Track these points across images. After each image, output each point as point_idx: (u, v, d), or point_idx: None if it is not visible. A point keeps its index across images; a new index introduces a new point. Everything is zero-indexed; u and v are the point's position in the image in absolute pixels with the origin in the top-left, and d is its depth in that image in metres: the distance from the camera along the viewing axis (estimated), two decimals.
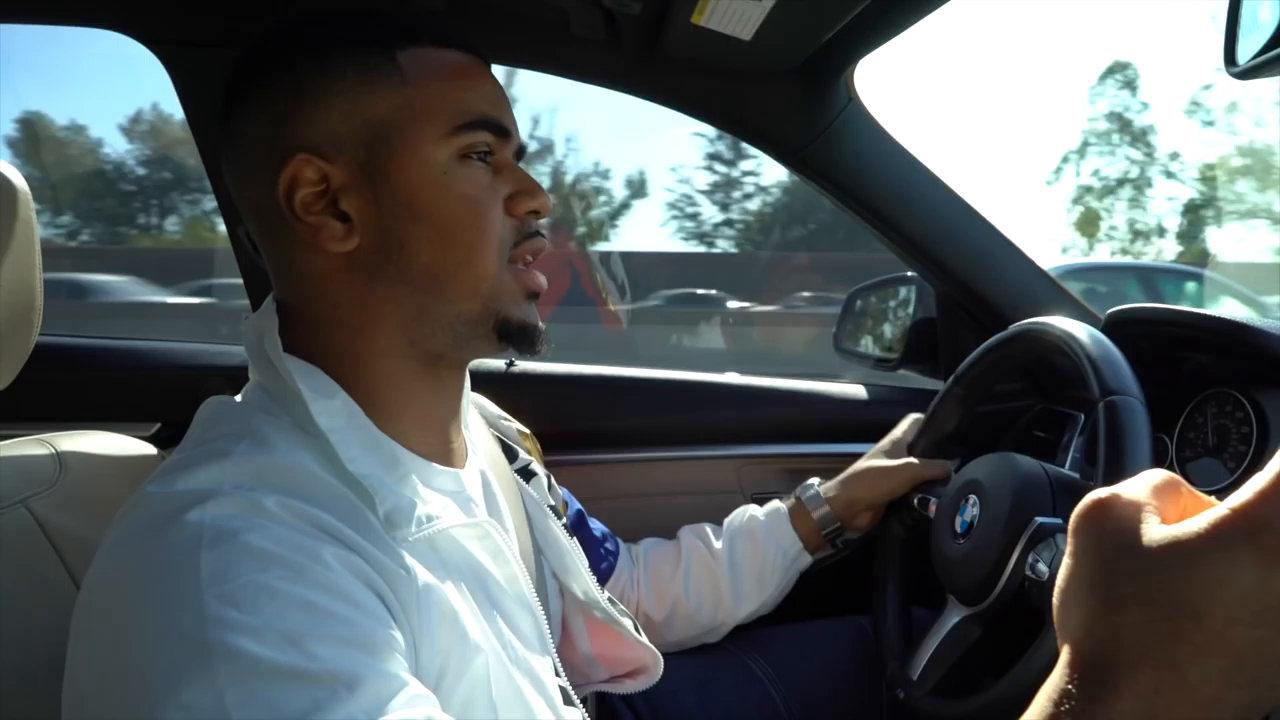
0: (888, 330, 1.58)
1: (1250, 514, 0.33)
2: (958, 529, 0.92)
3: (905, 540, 1.08)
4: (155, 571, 0.49)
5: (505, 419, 0.90)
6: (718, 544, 1.06)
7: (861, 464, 1.09)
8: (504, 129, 0.66)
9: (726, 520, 1.09)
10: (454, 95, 0.63)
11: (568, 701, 0.69)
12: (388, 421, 0.63)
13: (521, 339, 0.67)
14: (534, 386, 1.31)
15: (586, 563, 0.83)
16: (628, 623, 0.84)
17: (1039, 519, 0.83)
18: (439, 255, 0.63)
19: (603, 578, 1.00)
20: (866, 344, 1.61)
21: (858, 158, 1.18)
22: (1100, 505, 0.38)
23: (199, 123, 1.05)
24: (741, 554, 1.05)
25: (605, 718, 0.96)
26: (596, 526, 1.03)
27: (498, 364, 1.29)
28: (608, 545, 1.04)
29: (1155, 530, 0.36)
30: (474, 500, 0.70)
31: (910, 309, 1.47)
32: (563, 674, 0.72)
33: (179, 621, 0.46)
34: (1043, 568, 0.80)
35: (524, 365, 1.32)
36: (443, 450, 0.69)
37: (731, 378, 1.43)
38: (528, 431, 0.92)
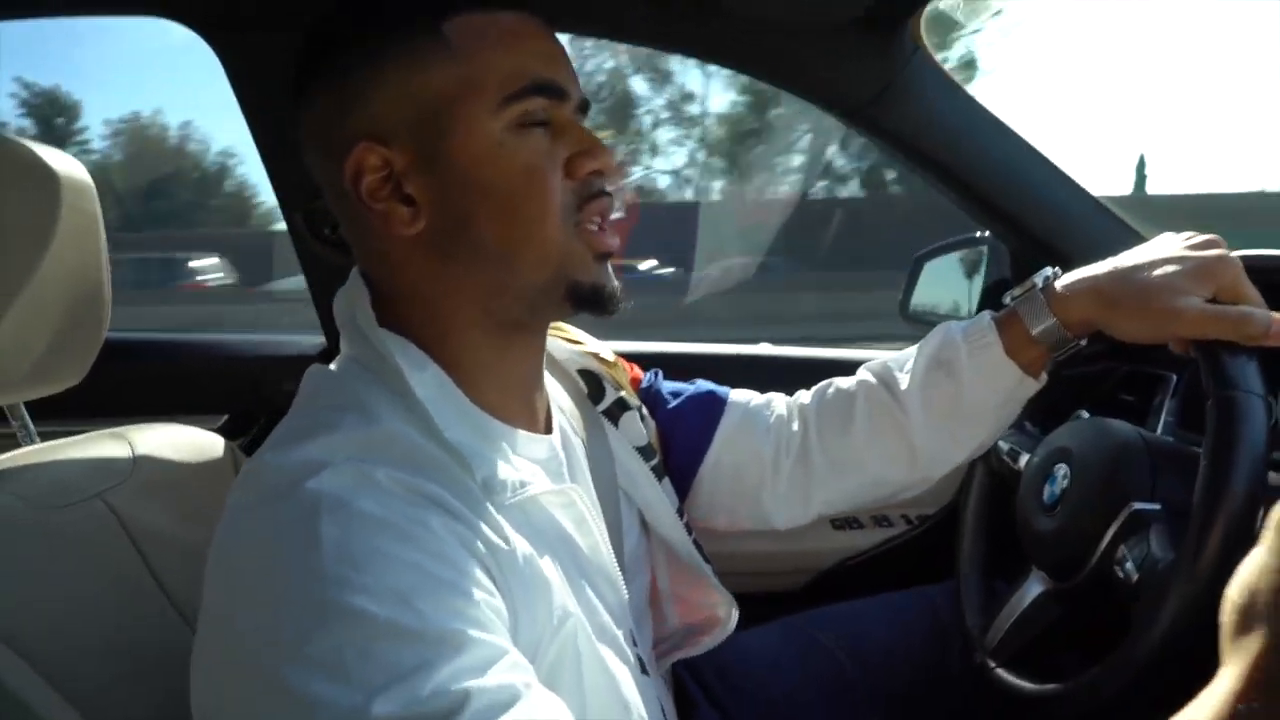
0: (959, 295, 1.52)
1: None
2: (1045, 500, 0.87)
3: (991, 490, 1.03)
4: (279, 537, 0.51)
5: (584, 350, 0.84)
6: (905, 383, 0.84)
7: (1129, 269, 0.76)
8: (559, 89, 0.64)
9: (919, 345, 0.85)
10: (503, 62, 0.62)
11: (643, 671, 0.70)
12: (475, 391, 0.64)
13: (595, 302, 0.66)
14: None
15: (674, 505, 0.82)
16: (709, 569, 0.84)
17: (1135, 504, 0.76)
18: (503, 229, 0.62)
19: (700, 446, 0.89)
20: (936, 310, 1.55)
21: (926, 112, 1.12)
22: None
23: (251, 106, 1.05)
24: (939, 397, 0.82)
25: (675, 692, 0.93)
26: (684, 390, 0.92)
27: None
28: (706, 407, 0.90)
29: None
30: (564, 463, 0.70)
31: (982, 271, 1.41)
32: (640, 643, 0.73)
33: (302, 582, 0.48)
34: (1131, 568, 0.74)
35: (609, 344, 1.30)
36: (528, 415, 0.69)
37: (813, 351, 1.39)
38: (611, 359, 0.86)
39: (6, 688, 0.59)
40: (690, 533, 0.84)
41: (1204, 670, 0.40)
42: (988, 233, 1.32)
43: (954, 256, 1.54)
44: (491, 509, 0.58)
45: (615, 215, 0.68)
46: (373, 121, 0.62)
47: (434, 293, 0.65)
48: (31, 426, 0.90)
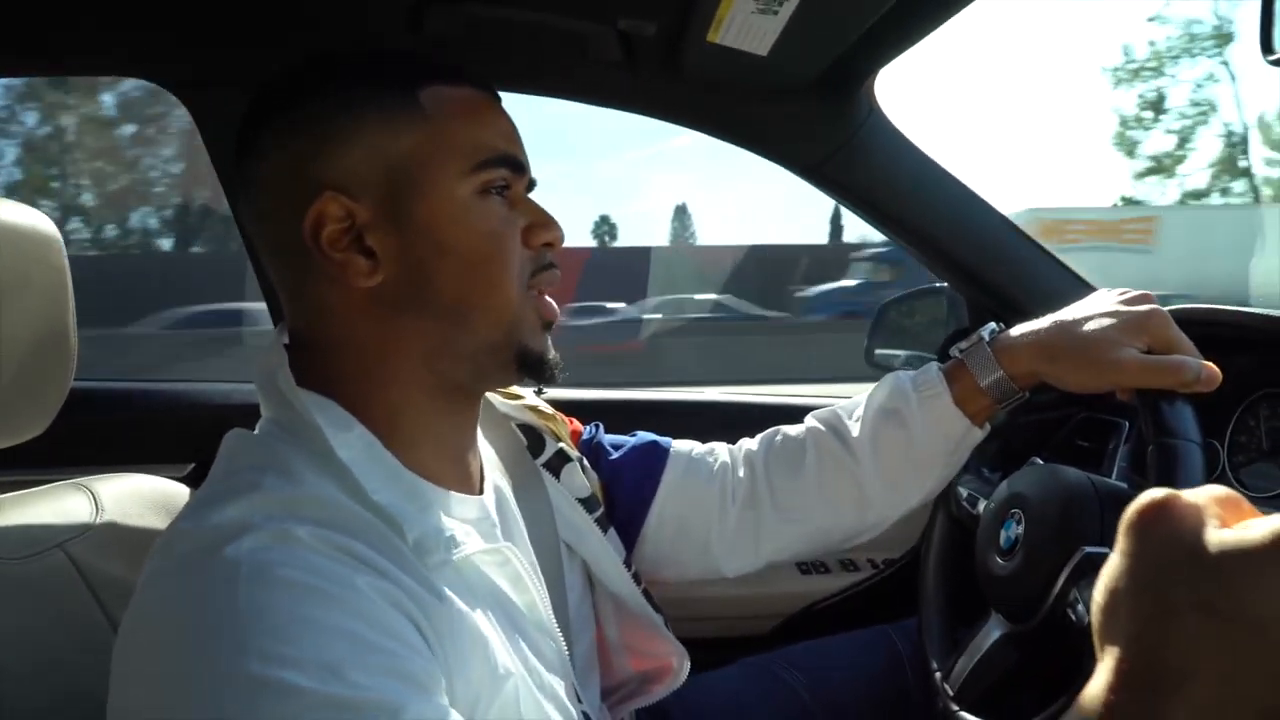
0: (922, 342, 1.56)
1: None
2: (1002, 544, 0.89)
3: (952, 535, 1.05)
4: (196, 607, 0.49)
5: (522, 405, 0.85)
6: (855, 431, 0.86)
7: (1069, 324, 0.79)
8: (519, 163, 0.67)
9: (868, 393, 0.88)
10: (473, 132, 0.65)
11: None
12: (406, 450, 0.63)
13: (539, 369, 0.68)
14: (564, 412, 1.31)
15: (621, 556, 0.83)
16: (659, 619, 0.84)
17: (1086, 548, 0.78)
18: (464, 287, 0.64)
19: (644, 498, 0.89)
20: (900, 357, 1.59)
21: (880, 169, 1.16)
22: (1158, 505, 0.36)
23: (221, 159, 1.07)
24: (889, 445, 0.84)
25: None
26: (625, 442, 0.93)
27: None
28: (648, 458, 0.91)
29: (1216, 534, 0.34)
30: (496, 524, 0.70)
31: (944, 319, 1.45)
32: (585, 698, 0.72)
33: (222, 656, 0.46)
34: (1082, 610, 0.75)
35: (552, 392, 1.31)
36: (461, 477, 0.69)
37: (758, 395, 1.41)
38: (550, 411, 0.87)
39: None
40: (639, 583, 0.83)
41: None
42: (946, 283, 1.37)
43: (916, 304, 1.59)
44: (422, 569, 0.57)
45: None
46: (340, 173, 0.62)
47: (378, 348, 0.64)
48: None
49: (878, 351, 1.59)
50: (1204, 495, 0.37)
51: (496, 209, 0.65)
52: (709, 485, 0.89)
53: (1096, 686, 0.35)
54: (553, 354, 0.69)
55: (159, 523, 0.86)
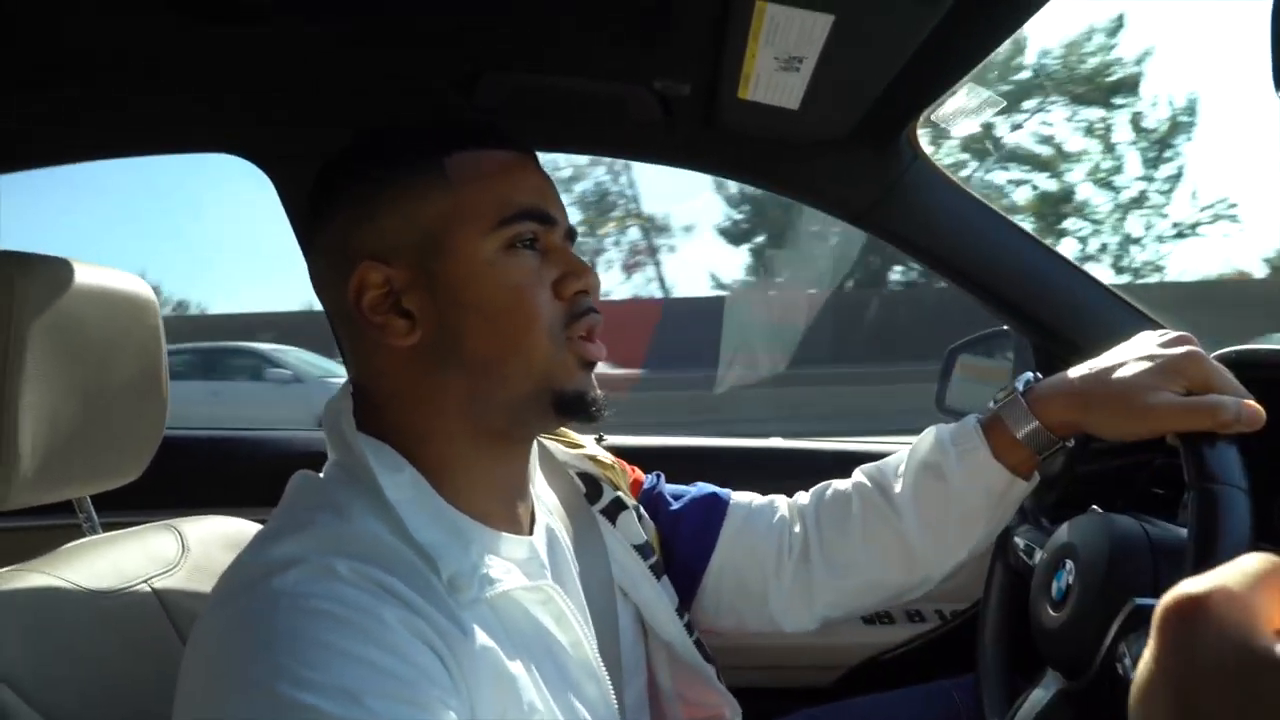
0: (992, 388, 1.52)
1: None
2: (1053, 595, 0.86)
3: (1010, 586, 1.01)
4: (239, 631, 0.54)
5: (582, 454, 0.88)
6: (898, 486, 0.86)
7: (1103, 371, 0.77)
8: (547, 216, 0.70)
9: (910, 448, 0.87)
10: (497, 192, 0.68)
11: None
12: (455, 494, 0.67)
13: (578, 409, 0.70)
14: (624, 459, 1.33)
15: (674, 604, 0.83)
16: (710, 670, 0.84)
17: (1136, 600, 0.74)
18: (491, 342, 0.67)
19: (704, 549, 0.90)
20: (971, 404, 1.55)
21: (928, 214, 1.16)
22: (1195, 602, 0.30)
23: (300, 227, 1.16)
24: (929, 499, 0.84)
25: None
26: (686, 492, 0.94)
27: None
28: (708, 510, 0.91)
29: (1262, 641, 0.29)
30: (545, 565, 0.72)
31: (1010, 363, 1.41)
32: None
33: (256, 677, 0.51)
34: (1129, 664, 0.72)
35: (613, 440, 1.34)
36: (510, 518, 0.72)
37: (825, 443, 1.40)
38: (610, 461, 0.90)
39: None
40: (692, 633, 0.84)
41: None
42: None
43: (984, 348, 1.55)
44: (453, 605, 0.60)
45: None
46: (377, 242, 0.68)
47: (421, 400, 0.69)
48: (95, 517, 0.97)
49: (950, 400, 1.56)
50: (1247, 578, 0.31)
51: (524, 263, 0.68)
52: (767, 539, 0.89)
53: None
54: (594, 393, 0.71)
55: None
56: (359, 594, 0.55)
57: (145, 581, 0.84)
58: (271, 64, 1.01)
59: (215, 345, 10.76)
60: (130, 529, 0.91)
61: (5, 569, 0.76)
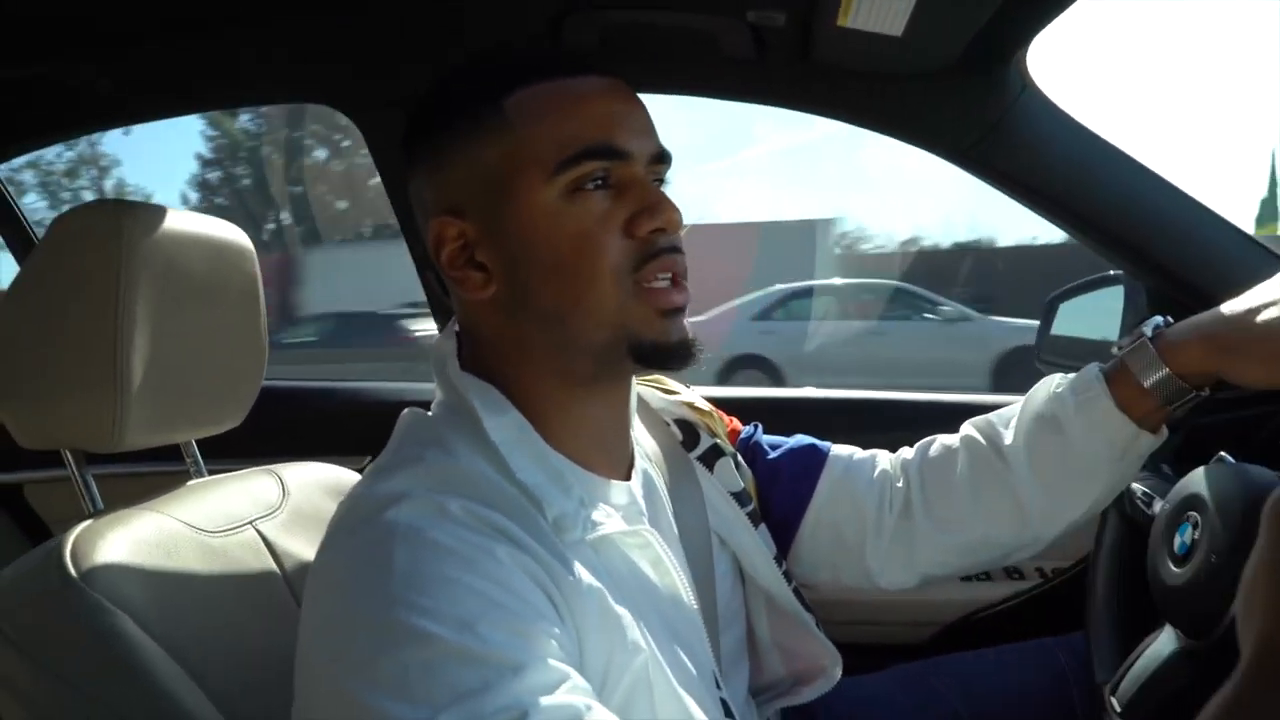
0: (1096, 338, 1.45)
1: None
2: (1176, 549, 0.81)
3: (1124, 537, 0.97)
4: (357, 561, 0.56)
5: (679, 400, 0.86)
6: (1009, 438, 0.81)
7: (1243, 313, 0.72)
8: (616, 150, 0.65)
9: (1025, 397, 0.82)
10: (555, 132, 0.64)
11: (728, 713, 0.70)
12: (554, 436, 0.67)
13: (660, 358, 0.67)
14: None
15: (772, 552, 0.82)
16: (809, 618, 0.83)
17: None
18: (558, 293, 0.65)
19: (800, 500, 0.87)
20: (1073, 356, 1.48)
21: (1038, 150, 1.09)
22: None
23: (388, 176, 1.16)
24: (1044, 453, 0.79)
25: None
26: (783, 443, 0.91)
27: None
28: (807, 460, 0.89)
29: None
30: (643, 510, 0.72)
31: (1120, 311, 1.34)
32: (728, 688, 0.72)
33: (374, 604, 0.53)
34: None
35: (701, 390, 1.32)
36: (608, 462, 0.71)
37: (923, 395, 1.36)
38: (707, 408, 0.88)
39: (163, 687, 0.67)
40: (790, 581, 0.83)
41: None
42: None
43: (1090, 297, 1.47)
44: (560, 544, 0.60)
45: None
46: (449, 196, 0.67)
47: (510, 347, 0.68)
48: (202, 462, 1.01)
49: (1049, 351, 1.49)
50: None
51: (590, 208, 0.64)
52: (867, 492, 0.86)
53: (1232, 685, 0.32)
54: (675, 339, 0.66)
55: (335, 507, 0.95)
56: (469, 531, 0.56)
57: (250, 523, 0.87)
58: (356, 13, 1.01)
59: (864, 282, 9.86)
60: (234, 474, 0.94)
61: (123, 510, 0.79)
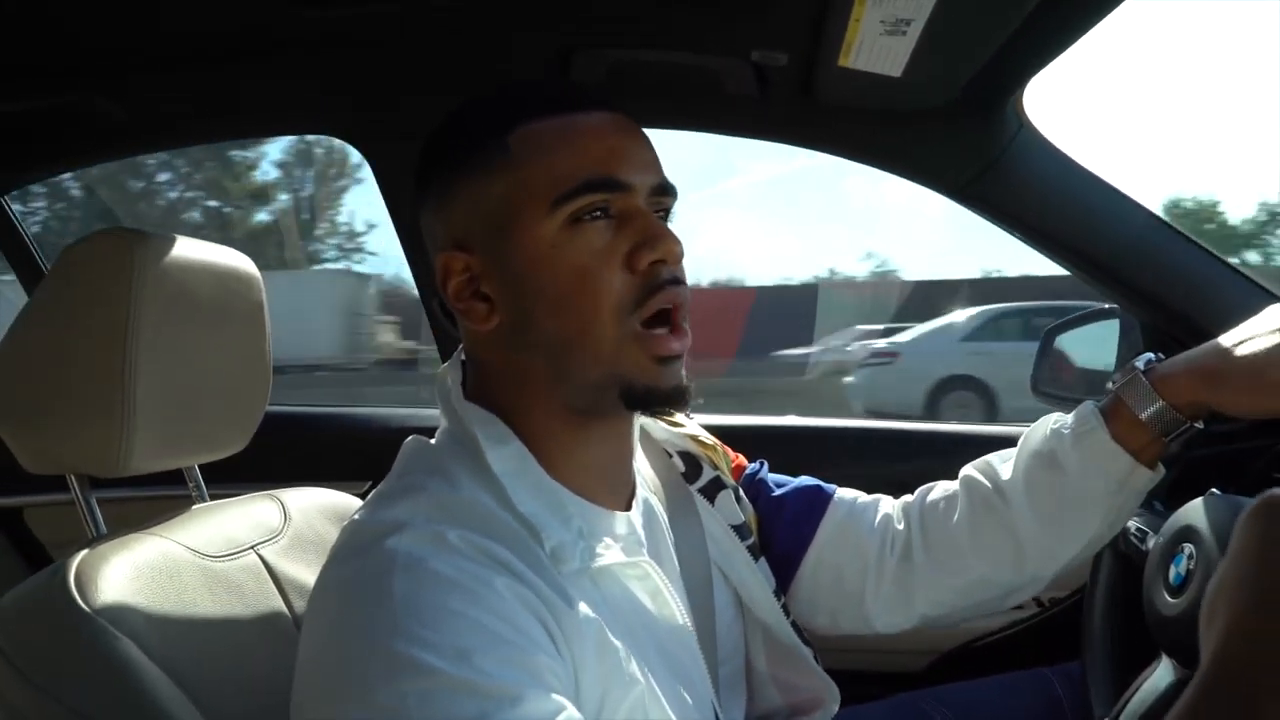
0: (1092, 370, 1.46)
1: None
2: (1171, 580, 0.82)
3: (1120, 572, 0.97)
4: (356, 589, 0.57)
5: (683, 433, 0.86)
6: (1007, 475, 0.82)
7: (1232, 345, 0.74)
8: (617, 182, 0.65)
9: (1023, 436, 0.84)
10: (556, 165, 0.64)
11: None
12: (555, 468, 0.67)
13: (650, 403, 0.67)
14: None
15: (770, 585, 0.82)
16: (808, 652, 0.83)
17: None
18: (559, 326, 0.65)
19: (802, 540, 0.87)
20: (1070, 387, 1.49)
21: (1034, 188, 1.11)
22: (1274, 503, 0.36)
23: (393, 206, 1.18)
24: (1042, 488, 0.80)
25: None
26: (788, 482, 0.92)
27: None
28: (811, 500, 0.89)
29: None
30: (642, 541, 0.72)
31: (1115, 344, 1.35)
32: (720, 716, 0.72)
33: (373, 633, 0.53)
34: None
35: (702, 419, 1.33)
36: (609, 494, 0.71)
37: (921, 425, 1.37)
38: (711, 441, 0.88)
39: (166, 711, 0.67)
40: (788, 615, 0.83)
41: None
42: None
43: (1086, 329, 1.48)
44: (557, 576, 0.61)
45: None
46: (455, 230, 0.68)
47: (513, 378, 0.68)
48: (204, 487, 1.01)
49: (1045, 382, 1.50)
50: None
51: (590, 240, 0.64)
52: (869, 535, 0.87)
53: (1187, 697, 0.33)
54: (671, 385, 0.66)
55: (336, 532, 0.95)
56: (468, 562, 0.56)
57: (251, 548, 0.87)
58: (365, 47, 1.03)
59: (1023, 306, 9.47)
60: (236, 498, 0.95)
61: (126, 534, 0.80)
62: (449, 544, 0.57)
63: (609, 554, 0.65)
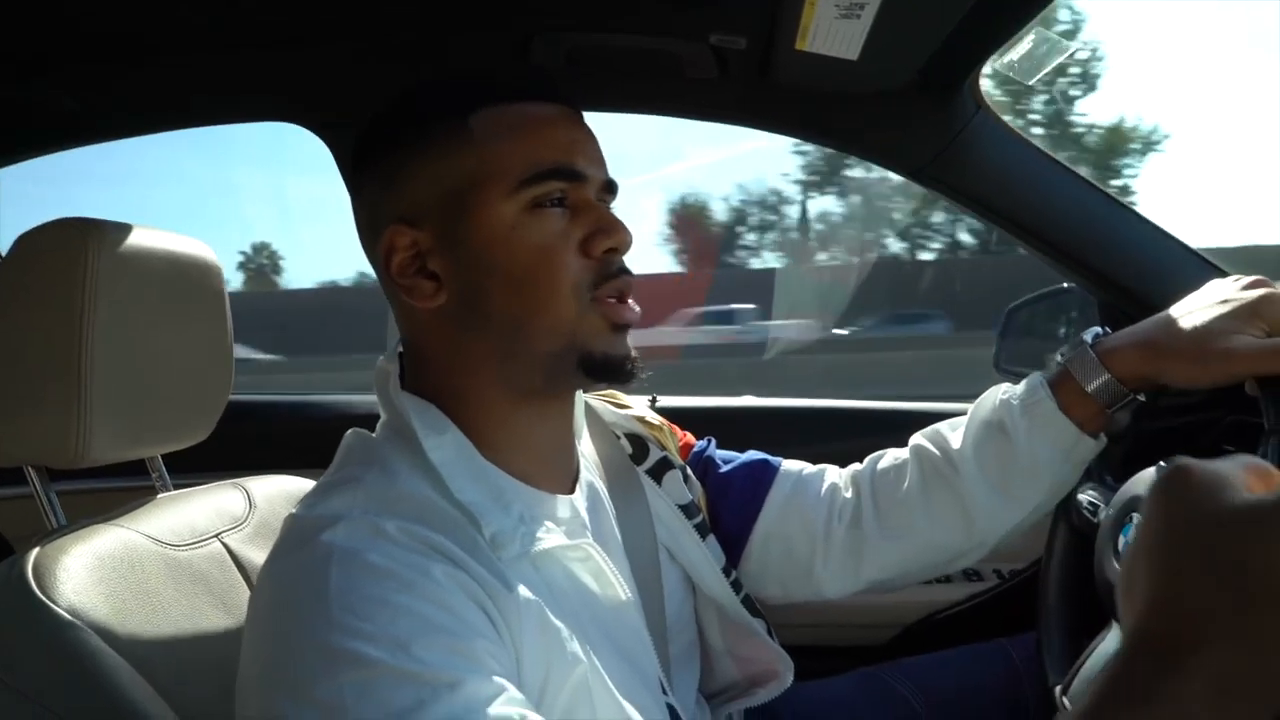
0: (1053, 347, 1.49)
1: None
2: (1120, 549, 0.84)
3: (1073, 545, 1.00)
4: (293, 584, 0.58)
5: (630, 415, 0.88)
6: (957, 443, 0.85)
7: (1175, 318, 0.76)
8: (575, 172, 0.68)
9: (973, 406, 0.86)
10: (521, 150, 0.66)
11: (675, 718, 0.71)
12: (495, 453, 0.68)
13: (608, 372, 0.69)
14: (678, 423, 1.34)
15: (720, 563, 0.83)
16: (760, 625, 0.84)
17: None
18: (515, 303, 0.67)
19: (750, 513, 0.89)
20: (1031, 364, 1.52)
21: (991, 168, 1.13)
22: (1181, 471, 0.36)
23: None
24: (991, 456, 0.82)
25: None
26: (735, 458, 0.94)
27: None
28: (757, 474, 0.91)
29: (1235, 498, 0.34)
30: (586, 524, 0.73)
31: (1075, 322, 1.38)
32: (669, 691, 0.74)
33: (310, 627, 0.54)
34: None
35: (666, 402, 1.34)
36: (551, 477, 0.72)
37: (879, 404, 1.39)
38: (658, 422, 0.90)
39: (129, 701, 0.67)
40: (739, 591, 0.84)
41: None
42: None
43: (1045, 308, 1.51)
44: (497, 561, 0.61)
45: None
46: (405, 205, 0.68)
47: (455, 360, 0.69)
48: (167, 477, 1.01)
49: (1007, 360, 1.53)
50: (1235, 464, 0.36)
51: (550, 223, 0.66)
52: (816, 506, 0.89)
53: (1115, 662, 0.34)
54: (623, 354, 0.69)
55: None
56: (405, 551, 0.57)
57: (216, 537, 0.87)
58: (321, 29, 1.02)
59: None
60: (200, 487, 0.94)
61: (87, 524, 0.79)
62: (386, 534, 0.57)
63: (550, 538, 0.66)
